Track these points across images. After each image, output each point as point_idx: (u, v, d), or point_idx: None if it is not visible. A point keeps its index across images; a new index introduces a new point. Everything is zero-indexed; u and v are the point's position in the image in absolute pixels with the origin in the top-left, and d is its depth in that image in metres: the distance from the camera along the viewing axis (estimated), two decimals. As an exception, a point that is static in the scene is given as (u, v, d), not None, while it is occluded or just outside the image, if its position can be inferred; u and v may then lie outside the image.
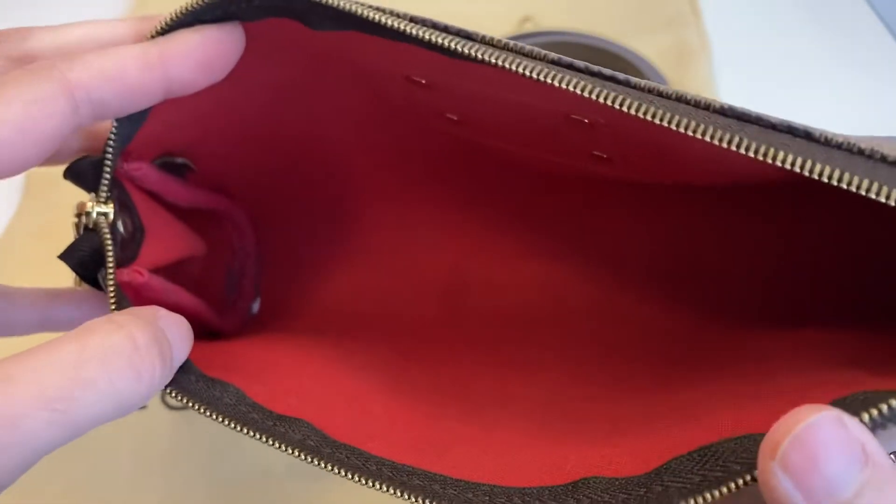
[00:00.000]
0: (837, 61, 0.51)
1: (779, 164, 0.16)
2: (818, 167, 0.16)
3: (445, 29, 0.20)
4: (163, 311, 0.21)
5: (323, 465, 0.21)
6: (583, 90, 0.18)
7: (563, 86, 0.18)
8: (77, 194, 0.24)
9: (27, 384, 0.17)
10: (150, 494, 0.38)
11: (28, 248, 0.46)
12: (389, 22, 0.20)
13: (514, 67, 0.19)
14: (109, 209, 0.23)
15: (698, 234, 0.32)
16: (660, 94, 0.19)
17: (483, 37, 0.20)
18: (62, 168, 0.24)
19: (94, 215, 0.23)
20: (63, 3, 0.50)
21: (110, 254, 0.23)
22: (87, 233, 0.23)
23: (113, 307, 0.22)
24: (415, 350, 0.32)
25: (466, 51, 0.19)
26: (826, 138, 0.17)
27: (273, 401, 0.23)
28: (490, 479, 0.21)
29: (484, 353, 0.32)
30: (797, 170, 0.16)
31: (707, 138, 0.17)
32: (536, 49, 0.20)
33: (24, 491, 0.38)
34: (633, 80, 0.19)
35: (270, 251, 0.37)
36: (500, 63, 0.19)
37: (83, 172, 0.23)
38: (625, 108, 0.18)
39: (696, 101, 0.18)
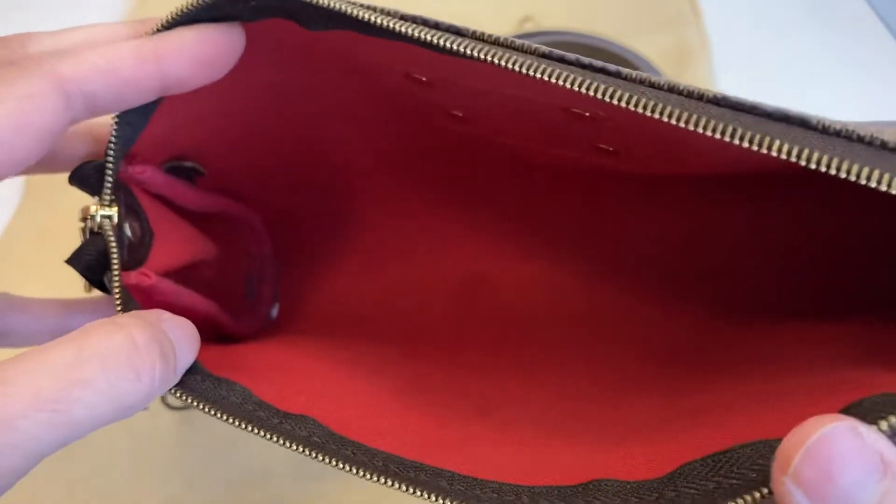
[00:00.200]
0: (837, 61, 0.51)
1: (774, 153, 0.16)
2: (815, 156, 0.15)
3: (436, 26, 0.20)
4: (167, 314, 0.21)
5: (328, 461, 0.20)
6: (571, 83, 0.18)
7: (552, 79, 0.18)
8: (77, 196, 0.24)
9: (23, 385, 0.16)
10: (150, 495, 0.38)
11: (28, 248, 0.45)
12: (379, 20, 0.20)
13: (501, 62, 0.18)
14: (113, 212, 0.23)
15: (703, 231, 0.31)
16: (651, 85, 0.18)
17: (473, 32, 0.20)
18: (53, 173, 0.24)
19: (99, 218, 0.23)
20: (62, 6, 0.50)
21: (115, 256, 0.22)
22: (93, 236, 0.23)
23: (119, 309, 0.22)
24: (427, 350, 0.32)
25: (455, 47, 0.19)
26: (824, 126, 0.17)
27: (281, 399, 0.22)
28: (500, 476, 0.20)
29: (495, 352, 0.32)
30: (793, 159, 0.16)
31: (699, 129, 0.16)
32: (527, 43, 0.19)
33: (24, 491, 0.38)
34: (625, 71, 0.19)
35: (285, 255, 0.37)
36: (487, 58, 0.19)
37: (87, 176, 0.23)
38: (613, 101, 0.17)
39: (688, 91, 0.18)
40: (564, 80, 0.18)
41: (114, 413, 0.18)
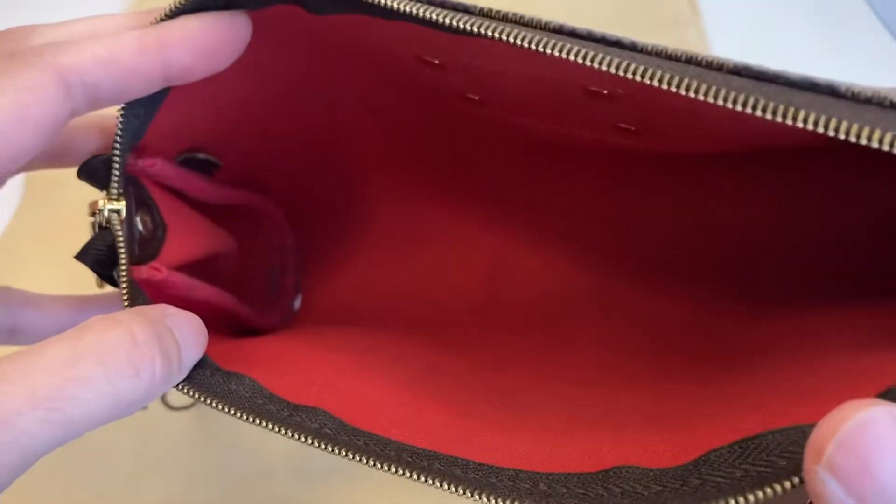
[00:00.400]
0: (837, 61, 0.50)
1: (800, 124, 0.14)
2: (844, 125, 0.14)
3: (442, 4, 0.19)
4: (172, 310, 0.21)
5: (338, 452, 0.20)
6: (584, 58, 0.17)
7: (563, 55, 0.17)
8: (78, 196, 0.23)
9: (19, 382, 0.16)
10: (150, 495, 0.37)
11: (28, 248, 0.44)
12: (385, 1, 0.19)
13: (510, 39, 0.17)
14: (121, 206, 0.22)
15: (731, 215, 0.30)
16: (668, 57, 0.17)
17: (481, 9, 0.19)
18: (63, 168, 0.24)
19: (106, 213, 0.22)
20: (65, 2, 0.50)
21: (122, 250, 0.22)
22: (101, 231, 0.22)
23: (126, 305, 0.21)
24: (451, 338, 0.31)
25: (462, 25, 0.18)
26: (853, 93, 0.15)
27: (293, 391, 0.22)
28: (517, 463, 0.20)
29: (516, 339, 0.31)
30: (820, 130, 0.14)
31: (719, 101, 0.15)
32: (537, 18, 0.18)
33: (24, 491, 0.37)
34: (641, 43, 0.17)
35: (307, 246, 0.36)
36: (496, 35, 0.18)
37: (95, 170, 0.23)
38: (628, 75, 0.16)
39: (707, 61, 0.17)
40: (576, 55, 0.17)
41: (112, 411, 0.17)
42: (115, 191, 0.22)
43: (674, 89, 0.16)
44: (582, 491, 0.18)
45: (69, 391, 0.16)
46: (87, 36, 0.21)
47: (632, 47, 0.18)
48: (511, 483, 0.19)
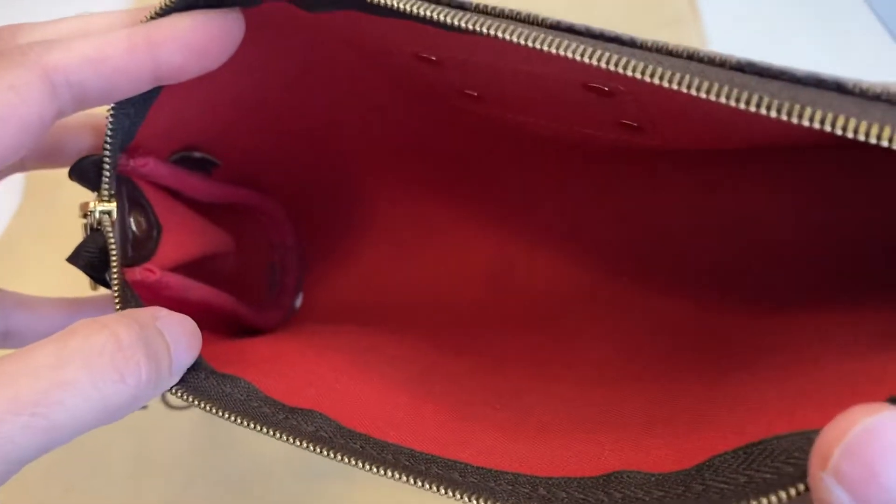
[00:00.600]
0: (836, 62, 0.49)
1: (805, 122, 0.14)
2: (852, 123, 0.13)
3: (437, 1, 0.18)
4: (163, 312, 0.20)
5: (334, 456, 0.19)
6: (581, 55, 0.16)
7: (562, 52, 0.16)
8: (77, 195, 0.23)
9: (1, 388, 0.15)
10: (150, 495, 0.37)
11: (28, 248, 0.44)
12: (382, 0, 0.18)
13: (509, 36, 0.17)
14: (112, 207, 0.22)
15: (734, 215, 0.29)
16: (669, 53, 0.17)
17: (477, 5, 0.18)
18: (63, 168, 0.23)
19: (98, 214, 0.22)
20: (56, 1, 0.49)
21: (114, 252, 0.21)
22: (93, 233, 0.22)
23: (118, 307, 0.21)
24: (451, 337, 0.30)
25: (458, 23, 0.17)
26: (861, 89, 0.15)
27: (289, 393, 0.21)
28: (516, 467, 0.19)
29: (516, 340, 0.30)
30: (828, 128, 0.14)
31: (721, 99, 0.14)
32: (534, 13, 0.18)
33: (23, 491, 0.37)
34: (640, 39, 0.17)
35: (308, 244, 0.35)
36: (491, 32, 0.17)
37: (86, 171, 0.22)
38: (627, 72, 0.15)
39: (709, 57, 0.16)
40: (574, 52, 0.16)
41: (97, 416, 0.17)
42: (105, 192, 0.22)
43: (675, 87, 0.15)
44: (582, 496, 0.18)
45: (54, 396, 0.16)
46: (76, 34, 0.20)
47: (631, 43, 0.17)
48: (510, 487, 0.19)
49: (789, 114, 0.14)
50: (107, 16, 0.21)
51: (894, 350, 0.18)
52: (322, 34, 0.23)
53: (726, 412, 0.20)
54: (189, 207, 0.27)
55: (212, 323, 0.29)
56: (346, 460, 0.19)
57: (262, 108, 0.28)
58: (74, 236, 0.22)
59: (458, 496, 0.18)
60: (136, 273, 0.23)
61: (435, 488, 0.18)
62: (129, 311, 0.20)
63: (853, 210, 0.26)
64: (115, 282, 0.21)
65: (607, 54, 0.16)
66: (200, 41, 0.20)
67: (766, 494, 0.15)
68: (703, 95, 0.15)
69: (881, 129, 0.13)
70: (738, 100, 0.14)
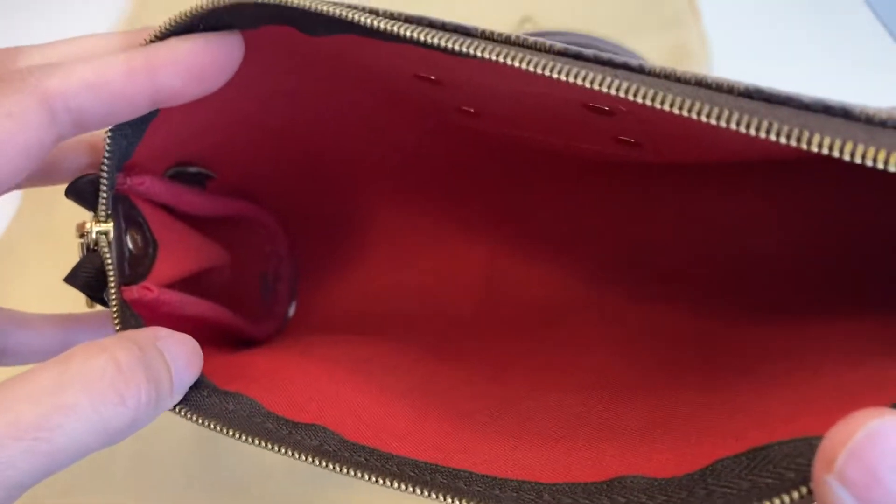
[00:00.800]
0: (837, 62, 0.50)
1: (815, 149, 0.14)
2: (860, 149, 0.14)
3: (443, 27, 0.18)
4: (164, 332, 0.20)
5: (339, 470, 0.19)
6: (592, 82, 0.16)
7: (571, 79, 0.16)
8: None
9: (1, 413, 0.15)
10: (150, 495, 0.37)
11: (28, 249, 0.44)
12: (382, 26, 0.18)
13: (517, 64, 0.17)
14: (109, 227, 0.22)
15: (733, 224, 0.29)
16: (678, 80, 0.17)
17: (482, 31, 0.18)
18: (54, 185, 0.23)
19: (94, 235, 0.21)
20: (64, 7, 0.49)
21: (111, 274, 0.21)
22: (90, 254, 0.22)
23: (117, 328, 0.21)
24: (450, 345, 0.30)
25: (465, 49, 0.17)
26: (867, 115, 0.15)
27: (292, 408, 0.21)
28: (520, 474, 0.19)
29: (515, 348, 0.30)
30: (835, 154, 0.14)
31: (732, 126, 0.15)
32: (541, 41, 0.18)
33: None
34: (648, 65, 0.17)
35: (304, 255, 0.35)
36: (500, 60, 0.17)
37: (83, 191, 0.22)
38: (639, 99, 0.15)
39: (717, 84, 0.16)
40: (584, 80, 0.16)
41: (98, 439, 0.16)
42: (102, 212, 0.22)
43: (685, 114, 0.15)
44: (587, 501, 0.18)
45: (55, 420, 0.16)
46: (75, 58, 0.19)
47: (640, 70, 0.17)
48: (515, 494, 0.19)
49: (799, 140, 0.14)
50: (106, 38, 0.21)
51: (890, 356, 0.18)
52: (321, 56, 0.23)
53: (727, 419, 0.20)
54: (184, 222, 0.27)
55: (209, 336, 0.28)
56: (352, 473, 0.19)
57: (259, 125, 0.28)
58: (74, 239, 0.22)
59: None
60: (134, 291, 0.23)
61: (441, 498, 0.18)
62: (128, 332, 0.19)
63: (851, 216, 0.26)
64: (114, 302, 0.21)
65: (617, 81, 0.16)
66: (199, 65, 0.20)
67: (769, 498, 0.15)
68: (714, 122, 0.15)
69: (888, 155, 0.13)
70: (748, 126, 0.14)
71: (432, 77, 0.23)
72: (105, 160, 0.21)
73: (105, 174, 0.21)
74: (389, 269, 0.35)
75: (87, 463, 0.37)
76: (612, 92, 0.16)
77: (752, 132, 0.14)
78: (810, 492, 0.14)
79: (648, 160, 0.26)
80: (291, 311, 0.35)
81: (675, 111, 0.15)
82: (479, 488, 0.19)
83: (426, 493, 0.19)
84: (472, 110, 0.26)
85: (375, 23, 0.18)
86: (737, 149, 0.21)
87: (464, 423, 0.23)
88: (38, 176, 0.23)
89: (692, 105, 0.15)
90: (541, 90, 0.20)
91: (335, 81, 0.26)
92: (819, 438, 0.14)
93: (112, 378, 0.17)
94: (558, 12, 0.51)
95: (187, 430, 0.38)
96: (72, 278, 0.22)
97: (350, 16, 0.18)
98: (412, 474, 0.19)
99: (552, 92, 0.20)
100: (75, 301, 0.24)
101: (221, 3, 0.19)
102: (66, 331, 0.25)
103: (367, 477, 0.19)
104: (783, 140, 0.14)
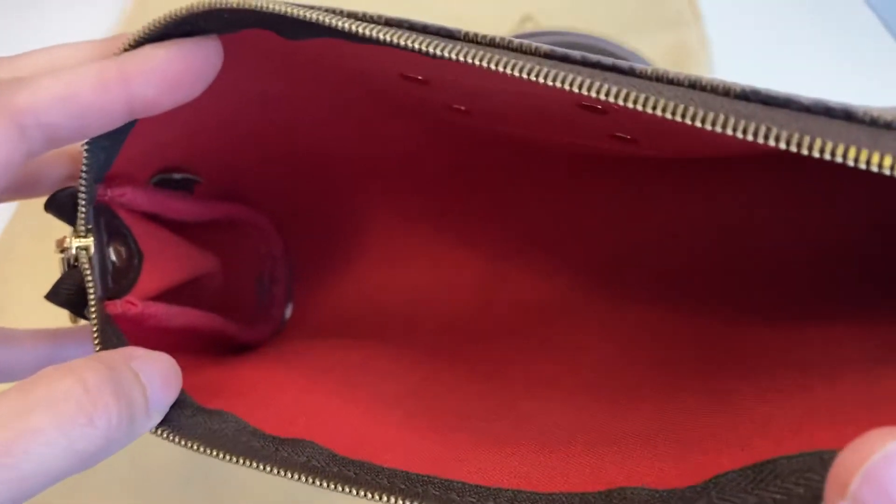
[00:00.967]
0: (837, 62, 0.49)
1: (815, 154, 0.13)
2: (864, 154, 0.13)
3: (424, 30, 0.17)
4: (139, 352, 0.19)
5: (327, 486, 0.19)
6: (580, 87, 0.15)
7: (558, 84, 0.15)
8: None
9: None
10: (150, 495, 0.36)
11: (28, 248, 0.44)
12: (360, 30, 0.17)
13: (501, 68, 0.16)
14: (89, 242, 0.21)
15: (736, 224, 0.28)
16: (670, 82, 0.16)
17: (466, 34, 0.17)
18: (35, 198, 0.22)
19: (74, 250, 0.21)
20: (64, 5, 0.48)
21: (91, 291, 0.20)
22: (71, 270, 0.21)
23: (98, 348, 0.20)
24: (446, 346, 0.30)
25: (447, 54, 0.16)
26: (872, 118, 0.14)
27: (280, 424, 0.21)
28: (516, 483, 0.19)
29: (511, 352, 0.29)
30: (838, 159, 0.13)
31: (728, 131, 0.14)
32: (526, 43, 0.17)
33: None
34: (639, 67, 0.16)
35: (299, 256, 0.35)
36: (483, 64, 0.16)
37: (62, 205, 0.21)
38: (629, 104, 0.15)
39: (712, 86, 0.15)
40: (571, 84, 0.15)
41: (69, 463, 0.16)
42: (82, 227, 0.21)
43: (678, 119, 0.14)
44: None
45: (20, 446, 0.15)
46: (46, 70, 0.19)
47: (630, 72, 0.16)
48: None
49: (799, 145, 0.13)
50: (77, 47, 0.20)
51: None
52: (304, 58, 0.22)
53: (730, 425, 0.19)
54: (171, 230, 0.26)
55: (200, 345, 0.28)
56: (341, 489, 0.19)
57: (243, 129, 0.27)
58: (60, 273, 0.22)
59: None
60: (118, 306, 0.22)
61: None
62: (98, 354, 0.19)
63: (853, 217, 0.25)
64: (94, 321, 0.20)
65: (606, 86, 0.15)
66: (175, 73, 0.19)
67: None
68: (709, 127, 0.14)
69: (894, 160, 0.13)
70: (745, 131, 0.14)
71: (419, 77, 0.22)
72: (83, 174, 0.20)
73: (83, 188, 0.20)
74: (385, 270, 0.34)
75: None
76: (601, 97, 0.15)
77: (749, 137, 0.14)
78: None
79: (645, 155, 0.25)
80: (288, 312, 0.34)
81: (668, 116, 0.14)
82: (472, 500, 0.18)
83: None
84: (463, 108, 0.25)
85: (354, 27, 0.17)
86: (736, 147, 0.20)
87: (458, 429, 0.22)
88: (17, 189, 0.22)
89: (685, 110, 0.14)
90: (530, 90, 0.20)
91: (321, 83, 0.25)
92: (830, 452, 0.13)
93: (78, 399, 0.16)
94: (559, 11, 0.50)
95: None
96: (53, 295, 0.21)
97: (328, 21, 0.18)
98: (403, 487, 0.19)
99: (542, 93, 0.20)
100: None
101: (197, 8, 0.18)
102: (55, 346, 0.24)
103: (356, 492, 0.18)
104: (782, 145, 0.13)
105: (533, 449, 0.20)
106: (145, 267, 0.23)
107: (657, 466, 0.18)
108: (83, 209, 0.21)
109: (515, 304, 0.32)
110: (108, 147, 0.21)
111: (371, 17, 0.18)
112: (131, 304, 0.22)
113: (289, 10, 0.18)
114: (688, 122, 0.14)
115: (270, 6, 0.18)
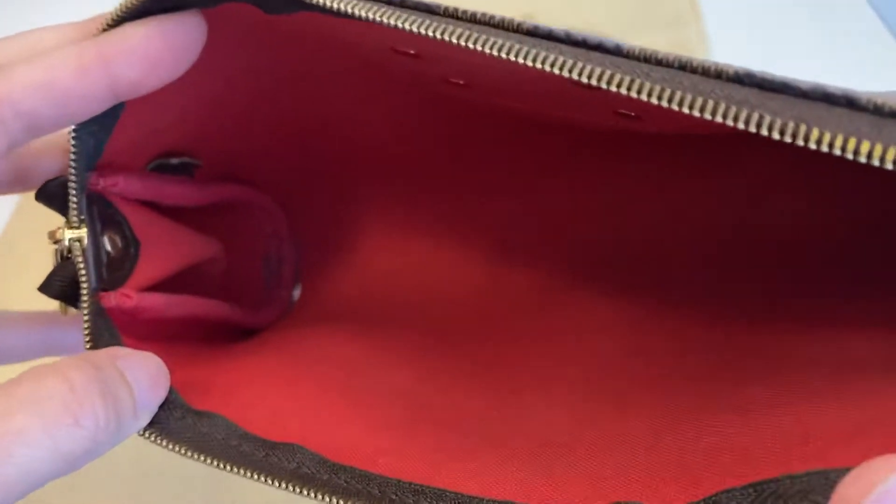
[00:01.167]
0: (837, 61, 0.48)
1: (812, 146, 0.12)
2: (865, 146, 0.12)
3: (402, 4, 0.16)
4: (124, 351, 0.18)
5: (315, 495, 0.18)
6: (561, 68, 0.14)
7: (538, 65, 0.14)
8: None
9: None
10: (149, 495, 0.36)
11: (28, 247, 0.44)
12: (336, 5, 0.16)
13: (480, 47, 0.15)
14: (82, 233, 0.20)
15: (748, 216, 0.27)
16: (658, 63, 0.15)
17: (446, 9, 0.16)
18: (29, 192, 0.22)
19: (67, 242, 0.20)
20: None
21: (84, 285, 0.20)
22: (63, 262, 0.20)
23: (88, 344, 0.19)
24: (449, 333, 0.29)
25: (425, 31, 0.16)
26: (876, 105, 0.13)
27: (272, 426, 0.20)
28: (512, 494, 0.18)
29: (520, 334, 0.29)
30: (837, 152, 0.12)
31: (718, 118, 0.13)
32: (508, 18, 0.16)
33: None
34: (626, 46, 0.15)
35: (306, 238, 0.34)
36: (462, 43, 0.15)
37: (53, 195, 0.20)
38: (612, 87, 0.14)
39: (703, 68, 0.14)
40: (552, 65, 0.14)
41: (55, 466, 0.15)
42: (74, 218, 0.20)
43: (664, 104, 0.13)
44: None
45: (3, 448, 0.14)
46: (24, 56, 0.18)
47: (616, 51, 0.15)
48: None
49: (794, 136, 0.12)
50: (55, 31, 0.19)
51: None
52: (291, 32, 0.22)
53: (734, 432, 0.19)
54: (170, 217, 0.26)
55: (202, 332, 0.27)
56: (329, 499, 0.18)
57: (237, 108, 0.26)
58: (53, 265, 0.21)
59: None
60: (112, 299, 0.21)
61: None
62: (83, 353, 0.18)
63: (860, 210, 0.24)
64: (86, 315, 0.20)
65: (588, 67, 0.14)
66: (157, 52, 0.18)
67: None
68: (697, 114, 0.13)
69: None
70: (736, 119, 0.13)
71: (411, 51, 0.21)
72: (72, 161, 0.20)
73: (73, 176, 0.20)
74: (389, 251, 0.33)
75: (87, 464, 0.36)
76: (583, 79, 0.14)
77: (741, 125, 0.13)
78: None
79: (651, 131, 0.24)
80: (297, 293, 0.33)
81: (654, 101, 0.13)
82: None
83: None
84: (461, 82, 0.24)
85: (329, 2, 0.17)
86: (732, 128, 0.19)
87: (455, 430, 0.21)
88: (9, 183, 0.21)
89: (672, 94, 0.13)
90: (517, 69, 0.19)
91: (308, 56, 0.24)
92: (836, 472, 0.12)
93: (64, 399, 0.16)
94: (559, 10, 0.50)
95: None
96: (46, 287, 0.20)
97: None
98: (394, 497, 0.18)
99: (532, 73, 0.19)
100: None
101: None
102: (50, 329, 0.24)
103: (342, 502, 0.18)
104: (776, 136, 0.12)
105: (532, 450, 0.20)
106: (142, 255, 0.23)
107: (656, 479, 0.18)
108: (74, 198, 0.20)
109: (518, 294, 0.31)
110: (96, 132, 0.20)
111: None
112: (126, 297, 0.21)
113: None
114: (674, 107, 0.13)
115: None
